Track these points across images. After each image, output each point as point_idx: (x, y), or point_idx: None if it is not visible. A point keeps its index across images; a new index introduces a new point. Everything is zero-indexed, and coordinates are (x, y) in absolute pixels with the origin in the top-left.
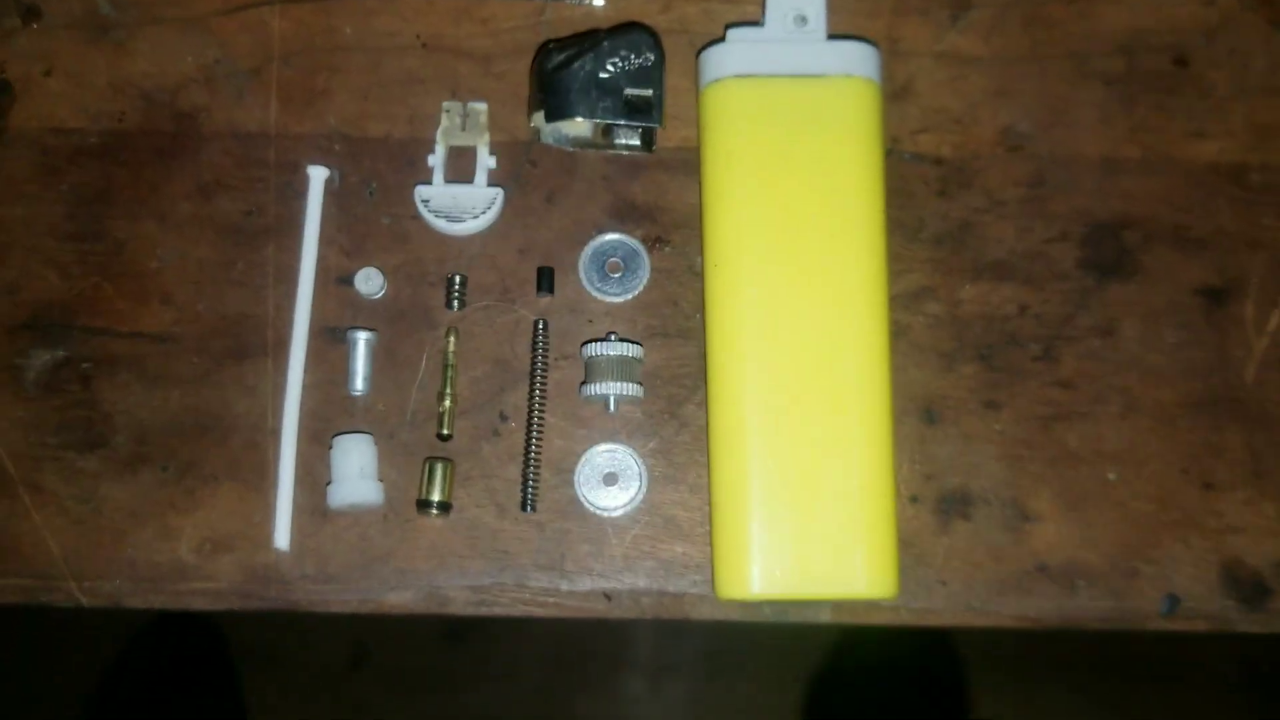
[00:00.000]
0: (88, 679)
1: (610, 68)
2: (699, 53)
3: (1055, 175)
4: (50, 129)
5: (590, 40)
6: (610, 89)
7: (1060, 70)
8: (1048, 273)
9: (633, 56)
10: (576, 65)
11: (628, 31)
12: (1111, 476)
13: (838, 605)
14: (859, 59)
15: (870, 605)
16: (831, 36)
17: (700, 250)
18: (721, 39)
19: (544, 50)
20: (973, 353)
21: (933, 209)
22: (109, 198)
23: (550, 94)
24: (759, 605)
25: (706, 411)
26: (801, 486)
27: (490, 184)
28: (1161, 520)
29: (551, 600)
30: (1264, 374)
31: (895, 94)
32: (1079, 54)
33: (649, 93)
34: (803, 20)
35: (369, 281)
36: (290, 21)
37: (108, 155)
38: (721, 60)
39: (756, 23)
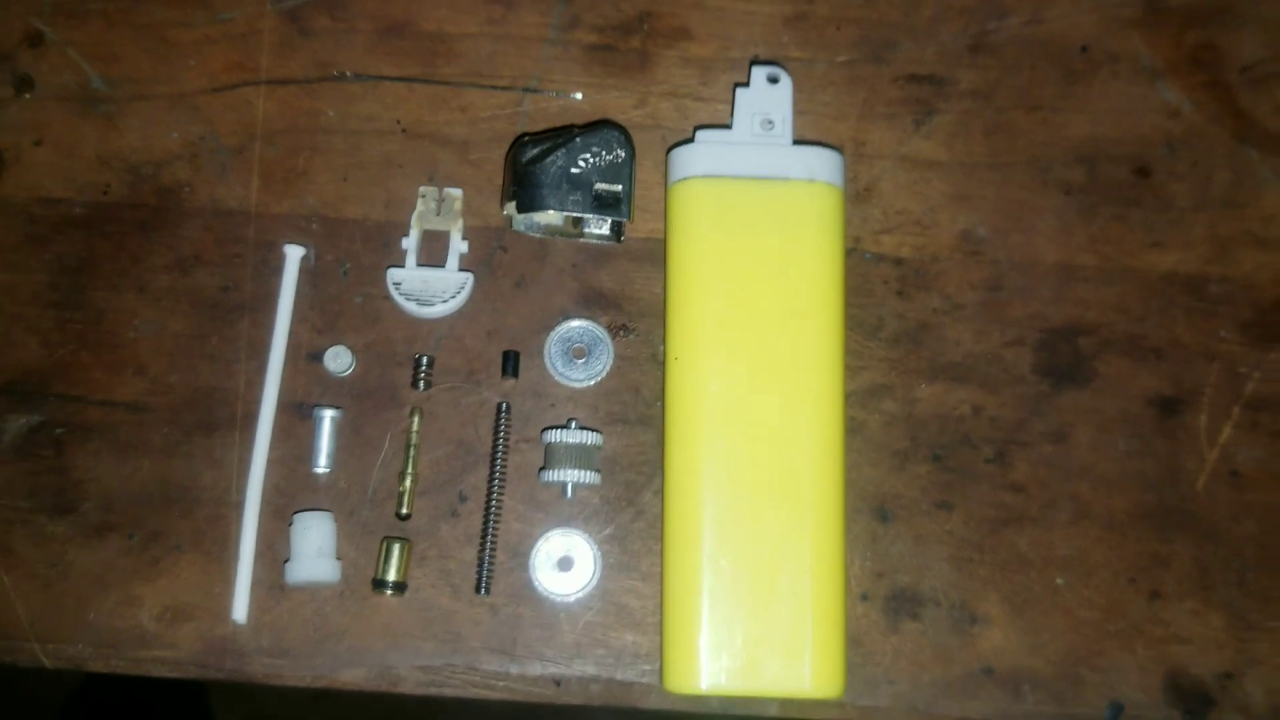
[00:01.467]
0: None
1: (582, 163)
2: (668, 151)
3: (1013, 280)
4: (38, 199)
5: (563, 135)
6: (581, 183)
7: (1021, 177)
8: (1003, 376)
9: (604, 153)
10: (549, 159)
11: (600, 129)
12: (1060, 582)
13: (785, 701)
14: (823, 165)
15: (817, 703)
16: (797, 141)
17: (663, 339)
18: (691, 139)
19: (518, 143)
20: (926, 453)
21: (892, 308)
22: (91, 268)
23: (523, 186)
24: (704, 699)
25: (663, 500)
26: (753, 582)
27: (462, 268)
28: (1108, 628)
29: (501, 684)
30: (1214, 486)
31: (859, 195)
32: (1040, 161)
33: (618, 188)
34: (769, 124)
35: (338, 359)
36: (275, 102)
37: (92, 226)
38: (689, 160)
39: (727, 124)
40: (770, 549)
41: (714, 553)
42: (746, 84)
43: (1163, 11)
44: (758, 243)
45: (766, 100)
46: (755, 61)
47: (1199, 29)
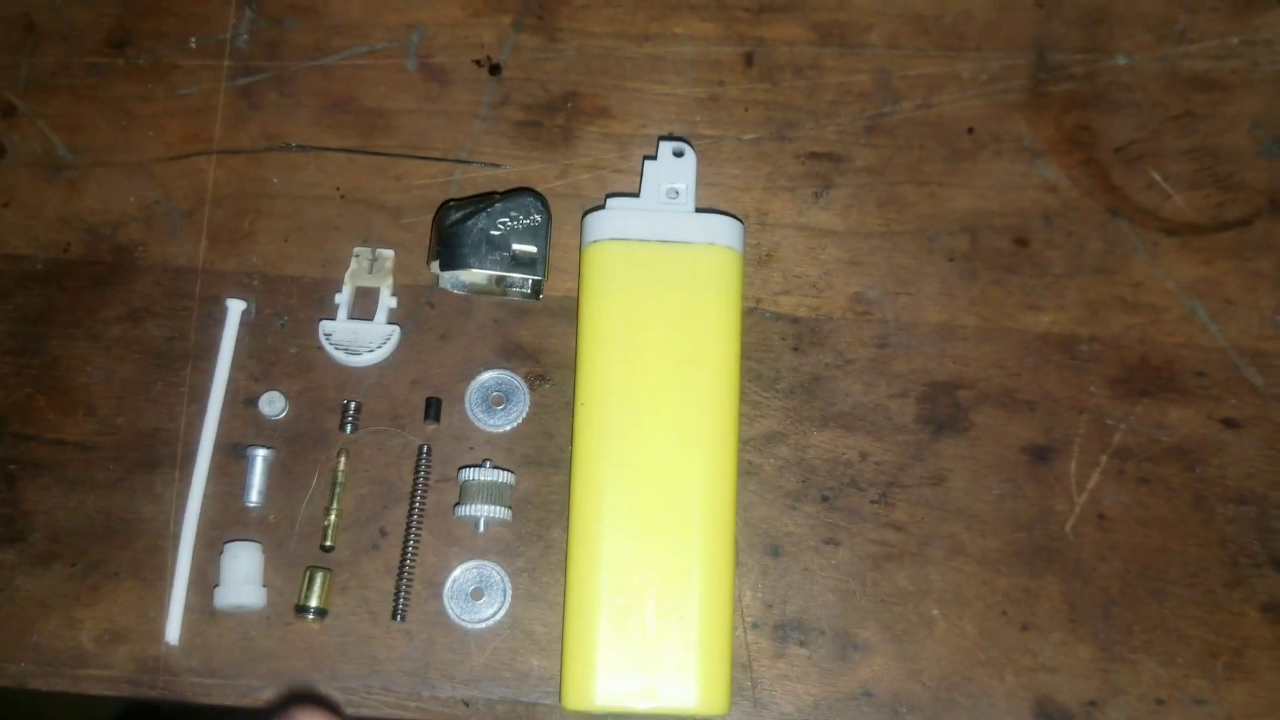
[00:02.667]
0: None
1: (501, 225)
2: (582, 216)
3: (899, 338)
4: (3, 255)
5: (485, 200)
6: (500, 244)
7: (909, 245)
8: (888, 425)
9: (522, 217)
10: (471, 222)
11: (518, 195)
12: (936, 613)
13: (675, 719)
14: (722, 230)
15: None
16: (701, 209)
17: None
18: (603, 206)
19: (443, 207)
20: (816, 494)
21: (788, 363)
22: (49, 319)
23: (446, 246)
24: (603, 717)
25: (567, 533)
26: (647, 609)
27: (390, 322)
28: (980, 657)
29: (414, 704)
30: (1082, 527)
31: (761, 260)
32: (927, 231)
33: (534, 249)
34: (675, 193)
35: (272, 404)
36: (224, 170)
37: (51, 281)
38: (600, 224)
39: (637, 193)
40: (664, 578)
41: (611, 581)
42: (654, 157)
43: (1044, 96)
44: (662, 300)
45: (672, 172)
46: (664, 138)
47: (1077, 112)
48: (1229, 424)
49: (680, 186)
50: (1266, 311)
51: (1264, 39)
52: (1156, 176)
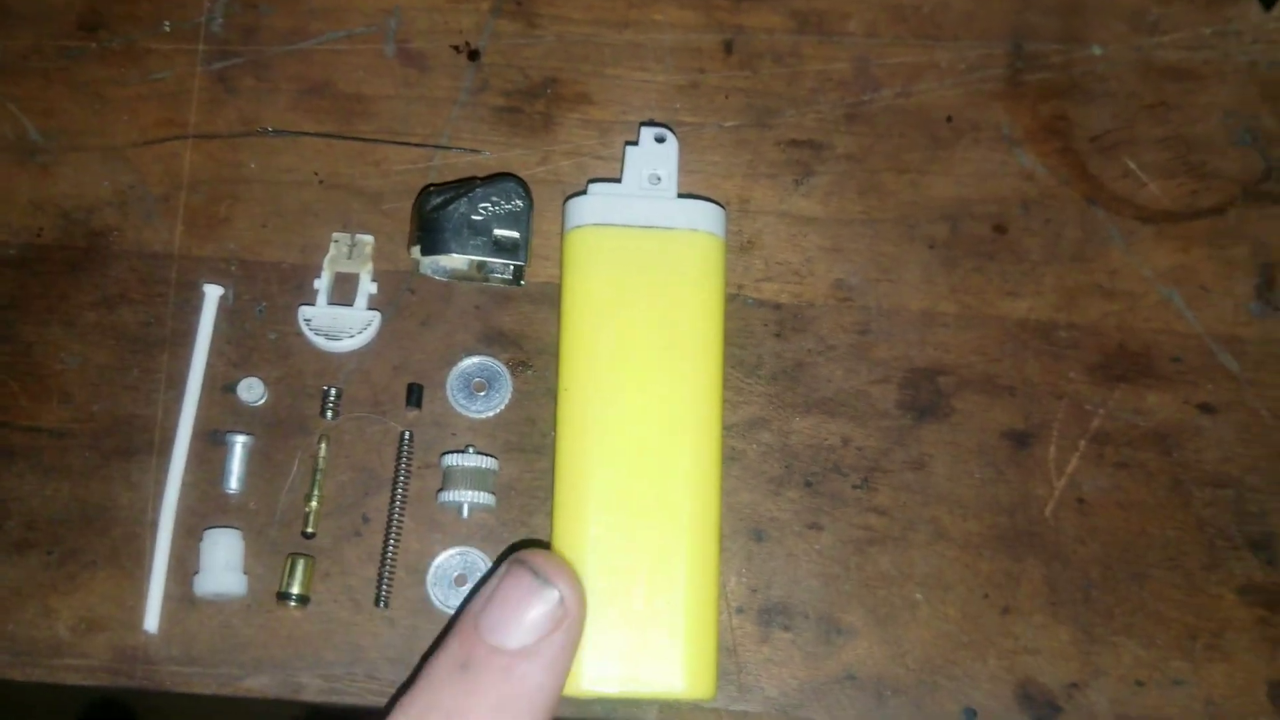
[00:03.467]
0: None
1: (482, 211)
2: (564, 202)
3: (880, 325)
4: None
5: (466, 186)
6: (481, 229)
7: (890, 232)
8: (870, 411)
9: (503, 202)
10: (452, 207)
11: (500, 180)
12: (919, 597)
13: (664, 705)
14: (704, 216)
15: (693, 707)
16: (682, 195)
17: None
18: (585, 191)
19: (424, 192)
20: (799, 479)
21: (770, 349)
22: (22, 305)
23: (427, 231)
24: (589, 702)
25: (551, 519)
26: (632, 595)
27: (370, 308)
28: (963, 640)
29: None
30: (1062, 512)
31: (743, 247)
32: (908, 219)
33: (516, 234)
34: (657, 179)
35: (251, 390)
36: (201, 155)
37: (24, 266)
38: (582, 210)
39: (619, 178)
40: (649, 564)
41: (595, 567)
42: (636, 143)
43: (1021, 86)
44: (644, 286)
45: (654, 157)
46: (645, 123)
47: (1054, 102)
48: (1205, 409)
49: (662, 172)
50: (1241, 298)
51: (1235, 30)
52: (1132, 165)
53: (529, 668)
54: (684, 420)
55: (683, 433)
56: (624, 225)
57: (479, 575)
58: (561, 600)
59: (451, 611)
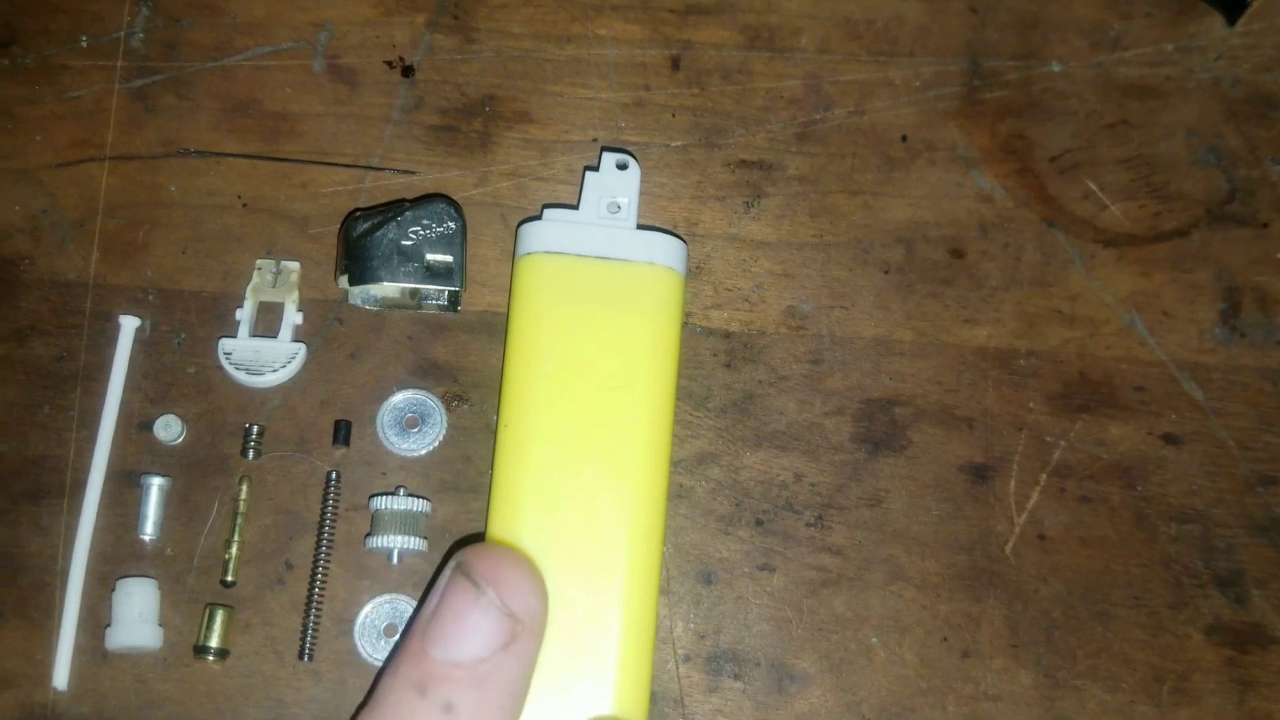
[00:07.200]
0: None
1: (413, 235)
2: (518, 226)
3: (834, 354)
4: None
5: (394, 209)
6: (413, 255)
7: (843, 257)
8: (823, 444)
9: (434, 225)
10: (380, 233)
11: (430, 201)
12: (874, 641)
13: None
14: (664, 250)
15: None
16: (641, 226)
17: (497, 409)
18: (539, 216)
19: (350, 218)
20: (750, 517)
21: (720, 380)
22: None
23: (355, 260)
24: None
25: None
26: (564, 644)
27: (295, 339)
28: (921, 686)
29: None
30: (1023, 548)
31: (691, 272)
32: (861, 243)
33: (449, 258)
34: (616, 208)
35: (168, 429)
36: (118, 177)
37: None
38: (536, 237)
39: (570, 203)
40: (584, 603)
41: None
42: (597, 168)
43: (978, 104)
44: (597, 319)
45: (614, 185)
46: (607, 148)
47: (1012, 120)
48: (1170, 440)
49: (623, 201)
50: (1205, 324)
51: (1198, 45)
52: (1093, 186)
53: (487, 670)
54: (629, 461)
55: (627, 475)
56: (579, 255)
57: None
58: (508, 610)
59: (379, 664)
